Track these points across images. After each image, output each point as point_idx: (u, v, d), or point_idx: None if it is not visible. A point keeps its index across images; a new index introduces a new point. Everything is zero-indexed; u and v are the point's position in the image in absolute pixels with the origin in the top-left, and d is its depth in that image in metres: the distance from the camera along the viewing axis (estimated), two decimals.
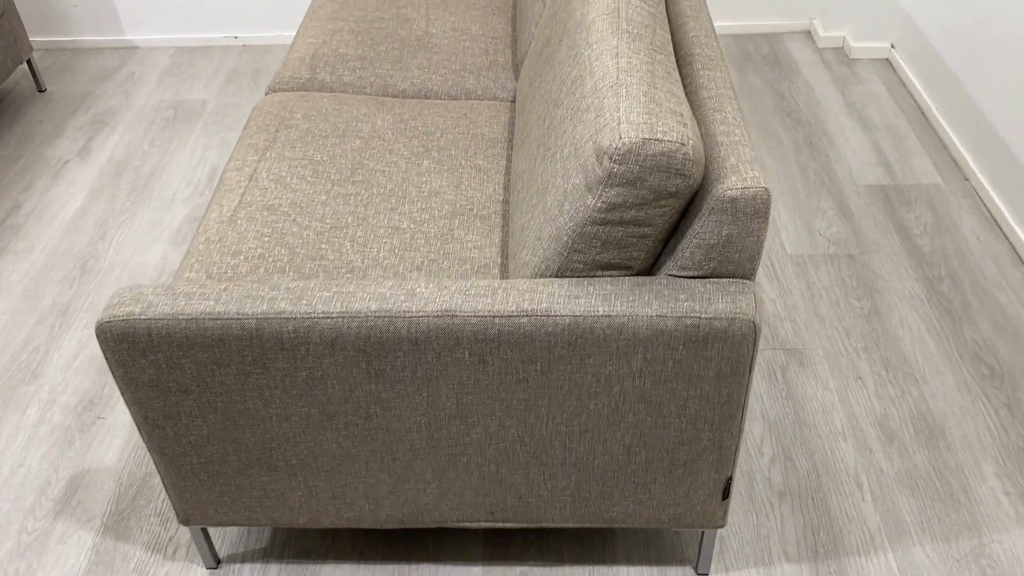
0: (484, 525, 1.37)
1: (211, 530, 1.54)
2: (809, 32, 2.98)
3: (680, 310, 1.11)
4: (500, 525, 1.37)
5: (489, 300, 1.13)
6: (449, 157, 1.65)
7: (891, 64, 2.78)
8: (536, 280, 1.16)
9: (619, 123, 1.07)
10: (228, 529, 1.55)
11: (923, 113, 2.55)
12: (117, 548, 1.52)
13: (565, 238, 1.14)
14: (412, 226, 1.48)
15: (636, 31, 1.22)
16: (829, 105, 2.61)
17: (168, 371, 1.17)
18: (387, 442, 1.25)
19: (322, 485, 1.32)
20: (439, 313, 1.12)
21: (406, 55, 1.98)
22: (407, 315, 1.12)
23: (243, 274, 1.38)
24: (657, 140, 1.05)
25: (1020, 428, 1.67)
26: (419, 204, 1.53)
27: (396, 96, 1.90)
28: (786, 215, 2.21)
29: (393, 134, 1.71)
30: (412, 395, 1.19)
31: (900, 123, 2.52)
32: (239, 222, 1.47)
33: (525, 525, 1.37)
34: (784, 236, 2.15)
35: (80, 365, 1.87)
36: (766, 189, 1.08)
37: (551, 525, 1.37)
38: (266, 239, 1.44)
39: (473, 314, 1.12)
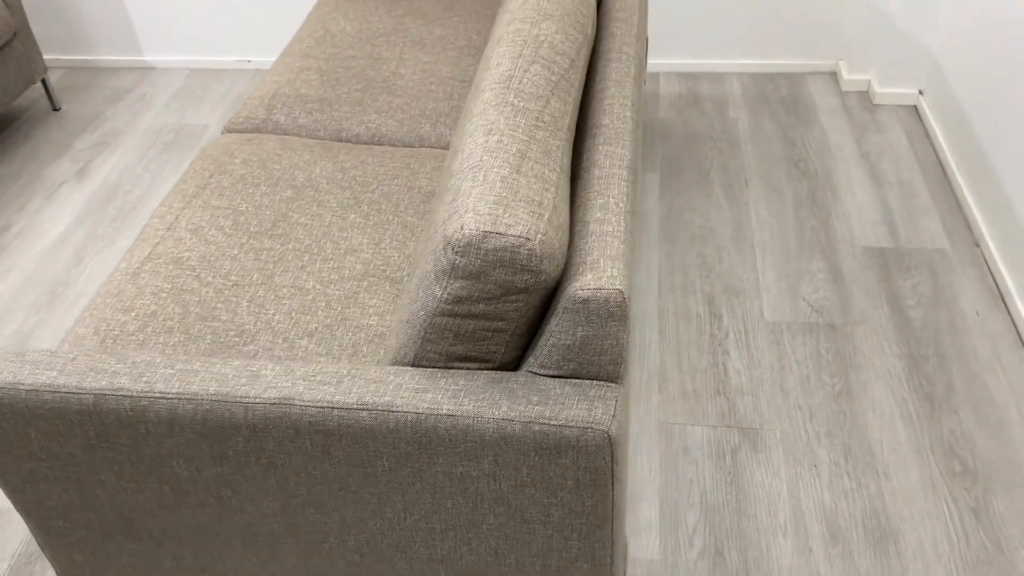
0: None
1: None
2: (835, 74, 2.81)
3: (529, 414, 1.02)
4: None
5: (332, 389, 1.06)
6: (378, 211, 1.59)
7: (917, 112, 2.59)
8: (387, 369, 1.09)
9: (465, 211, 0.99)
10: None
11: (942, 169, 2.36)
12: None
13: (418, 326, 1.07)
14: (317, 287, 1.42)
15: (523, 104, 1.14)
16: (842, 155, 2.45)
17: (16, 439, 1.15)
18: (245, 523, 1.20)
19: (189, 558, 1.27)
20: (276, 401, 1.06)
21: (367, 97, 1.93)
22: (244, 400, 1.06)
23: (129, 333, 1.34)
24: (499, 234, 0.96)
25: (984, 537, 1.51)
26: (332, 263, 1.47)
27: (348, 141, 1.85)
28: (771, 276, 2.07)
29: (328, 184, 1.66)
30: (260, 480, 1.14)
31: (915, 178, 2.34)
32: (142, 275, 1.44)
33: None
34: (765, 299, 2.01)
35: None
36: (620, 292, 0.98)
37: None
38: (163, 296, 1.40)
39: (312, 404, 1.05)
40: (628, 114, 1.28)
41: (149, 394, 1.08)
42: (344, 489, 1.12)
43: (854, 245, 2.14)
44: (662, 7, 2.77)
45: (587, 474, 1.05)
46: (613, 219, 1.08)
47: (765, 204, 2.29)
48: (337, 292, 1.41)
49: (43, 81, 2.84)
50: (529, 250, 0.97)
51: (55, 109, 2.91)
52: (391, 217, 1.57)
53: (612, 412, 1.02)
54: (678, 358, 1.88)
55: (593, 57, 1.47)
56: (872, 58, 2.65)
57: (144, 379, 1.09)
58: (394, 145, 1.83)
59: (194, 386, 1.08)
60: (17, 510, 1.26)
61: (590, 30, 1.41)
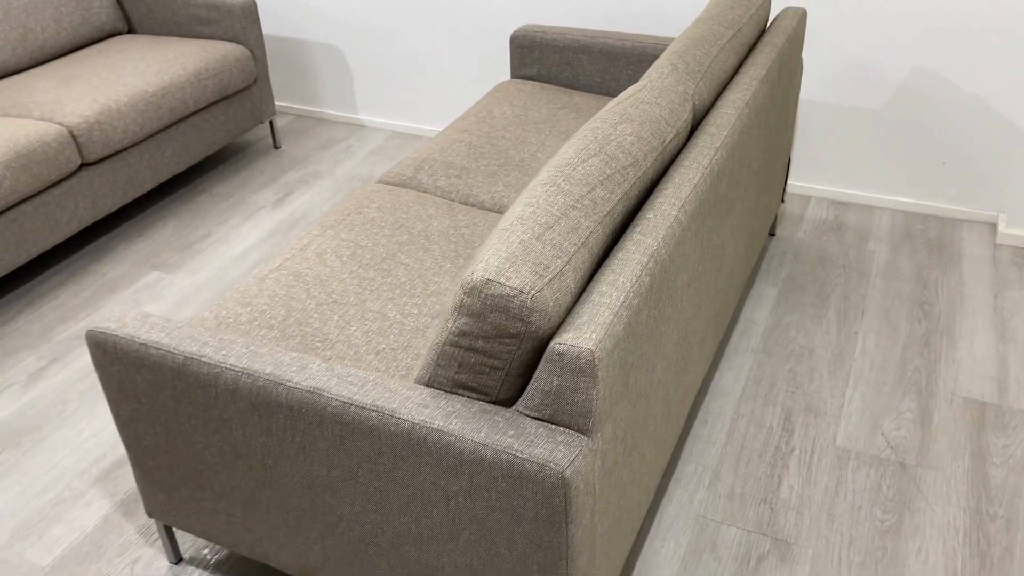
0: None
1: (178, 532, 1.79)
2: (993, 225, 2.74)
3: (501, 444, 1.18)
4: None
5: (355, 389, 1.27)
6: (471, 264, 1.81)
7: None
8: (404, 384, 1.29)
9: (480, 262, 1.18)
10: (198, 538, 1.79)
11: None
12: (119, 523, 1.83)
13: (434, 353, 1.26)
14: (398, 317, 1.66)
15: (568, 187, 1.32)
16: (973, 305, 2.39)
17: (127, 382, 1.45)
18: (280, 494, 1.43)
19: (239, 515, 1.52)
20: (310, 389, 1.29)
21: (501, 172, 2.18)
22: (288, 383, 1.30)
23: (240, 323, 1.64)
24: (499, 283, 1.14)
25: None
26: (418, 300, 1.70)
27: (473, 206, 2.10)
28: (856, 405, 2.07)
29: (438, 236, 1.91)
30: (293, 457, 1.36)
31: None
32: (267, 281, 1.75)
33: None
34: (842, 425, 2.01)
35: None
36: (591, 351, 1.13)
37: None
38: (275, 300, 1.69)
39: (336, 397, 1.27)
40: (673, 212, 1.42)
41: (222, 364, 1.35)
42: (354, 479, 1.32)
43: (954, 394, 2.09)
44: (821, 135, 2.85)
45: (545, 510, 1.18)
46: (615, 294, 1.23)
47: (875, 337, 2.29)
48: (412, 324, 1.64)
49: (270, 122, 3.37)
50: (521, 302, 1.14)
51: (275, 147, 3.43)
52: None
53: (571, 459, 1.16)
54: (736, 461, 1.93)
55: (674, 162, 1.63)
56: None
57: (223, 352, 1.36)
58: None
59: (256, 365, 1.33)
60: (123, 441, 1.57)
61: (669, 137, 1.57)
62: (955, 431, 1.99)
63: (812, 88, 2.79)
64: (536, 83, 2.70)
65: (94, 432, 2.06)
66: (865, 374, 2.17)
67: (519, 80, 2.73)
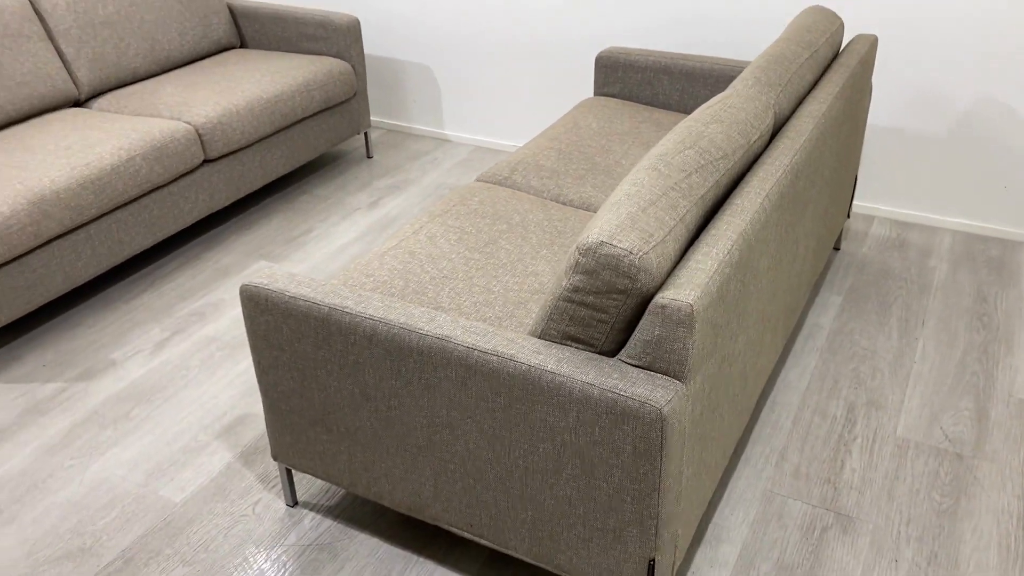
0: (465, 535, 1.67)
1: (296, 477, 2.00)
2: None
3: (606, 384, 1.36)
4: (476, 539, 1.66)
5: (478, 338, 1.47)
6: (564, 252, 2.01)
7: None
8: (519, 335, 1.49)
9: (594, 227, 1.38)
10: (314, 481, 2.00)
11: None
12: (240, 471, 2.05)
13: (548, 308, 1.46)
14: (501, 291, 1.86)
15: (667, 172, 1.52)
16: None
17: (274, 331, 1.67)
18: (401, 433, 1.63)
19: (359, 456, 1.72)
20: (439, 336, 1.49)
21: (588, 175, 2.39)
22: (419, 331, 1.51)
23: (366, 290, 1.86)
24: (611, 245, 1.34)
25: None
26: (518, 279, 1.91)
27: (563, 203, 2.31)
28: (916, 402, 2.21)
29: (534, 227, 2.11)
30: (418, 397, 1.56)
31: None
32: (386, 257, 1.97)
33: (494, 546, 1.64)
34: (902, 419, 2.15)
35: None
36: (691, 305, 1.31)
37: (514, 554, 1.63)
38: (395, 272, 1.91)
39: (461, 343, 1.47)
40: (758, 200, 1.61)
41: (362, 314, 1.56)
42: (471, 418, 1.52)
43: (1011, 395, 2.22)
44: (887, 157, 3.00)
45: (642, 443, 1.36)
46: (709, 263, 1.42)
47: (934, 344, 2.42)
48: (514, 298, 1.84)
49: (365, 134, 3.64)
50: (630, 261, 1.33)
51: (368, 157, 3.69)
52: None
53: (668, 399, 1.34)
54: (802, 445, 2.08)
55: (758, 160, 1.82)
56: None
57: (362, 305, 1.58)
58: (596, 212, 2.26)
59: (391, 316, 1.54)
60: (259, 387, 1.78)
61: (754, 138, 1.76)
62: (1011, 428, 2.11)
63: (880, 112, 2.96)
64: (618, 100, 2.91)
65: (214, 394, 2.29)
66: (925, 375, 2.30)
67: (602, 97, 2.94)
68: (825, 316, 2.57)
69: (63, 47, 2.95)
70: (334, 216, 3.21)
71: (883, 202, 3.09)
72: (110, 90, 3.10)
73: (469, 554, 1.82)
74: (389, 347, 1.54)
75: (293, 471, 1.95)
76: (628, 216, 1.39)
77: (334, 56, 3.41)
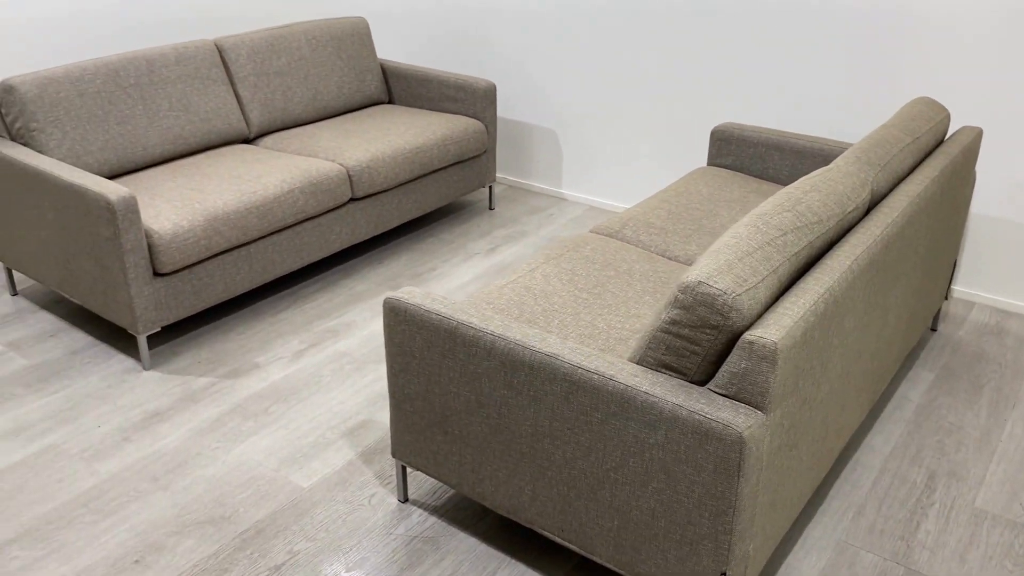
0: (556, 539, 1.86)
1: (413, 475, 2.24)
2: None
3: (694, 407, 1.55)
4: (565, 544, 1.85)
5: (582, 358, 1.70)
6: (664, 299, 2.21)
7: None
8: (619, 360, 1.70)
9: (694, 269, 1.59)
10: (423, 484, 2.24)
11: None
12: (360, 466, 2.31)
13: (647, 337, 1.67)
14: (604, 328, 2.08)
15: (766, 229, 1.72)
16: None
17: (408, 339, 1.94)
18: (507, 439, 1.85)
19: (468, 458, 1.95)
20: (549, 354, 1.72)
21: (695, 235, 2.60)
22: (531, 347, 1.74)
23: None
24: (708, 285, 1.55)
25: None
26: (620, 319, 2.12)
27: (669, 258, 2.52)
28: (998, 478, 2.28)
29: (639, 276, 2.33)
30: (525, 407, 1.79)
31: None
32: (505, 289, 2.22)
33: (582, 551, 1.83)
34: (982, 492, 2.23)
35: None
36: (775, 343, 1.50)
37: (599, 560, 1.81)
38: (512, 302, 2.16)
39: (567, 361, 1.69)
40: (847, 262, 1.78)
41: (484, 330, 1.81)
42: (571, 429, 1.73)
43: None
44: (990, 246, 3.09)
45: (723, 463, 1.54)
46: (795, 310, 1.60)
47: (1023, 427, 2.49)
48: (616, 335, 2.05)
49: (490, 187, 3.96)
50: (724, 301, 1.54)
51: (490, 208, 4.00)
52: None
53: (748, 424, 1.52)
54: (880, 504, 2.19)
55: (849, 229, 1.99)
56: None
57: (485, 322, 1.82)
58: None
59: (509, 333, 1.78)
60: (388, 389, 2.05)
61: (849, 209, 1.94)
62: None
63: (984, 201, 3.06)
64: (730, 171, 3.12)
65: (342, 400, 2.58)
66: (1010, 454, 2.37)
67: (715, 167, 3.16)
68: (915, 390, 2.66)
69: (240, 91, 3.39)
70: (456, 258, 3.51)
71: (984, 289, 3.16)
72: (275, 131, 3.52)
73: (558, 561, 2.01)
74: (504, 360, 1.78)
75: (407, 469, 2.19)
76: (726, 262, 1.60)
77: (470, 116, 3.76)
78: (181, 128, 3.15)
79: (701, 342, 1.59)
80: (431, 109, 3.88)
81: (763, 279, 1.62)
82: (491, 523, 2.12)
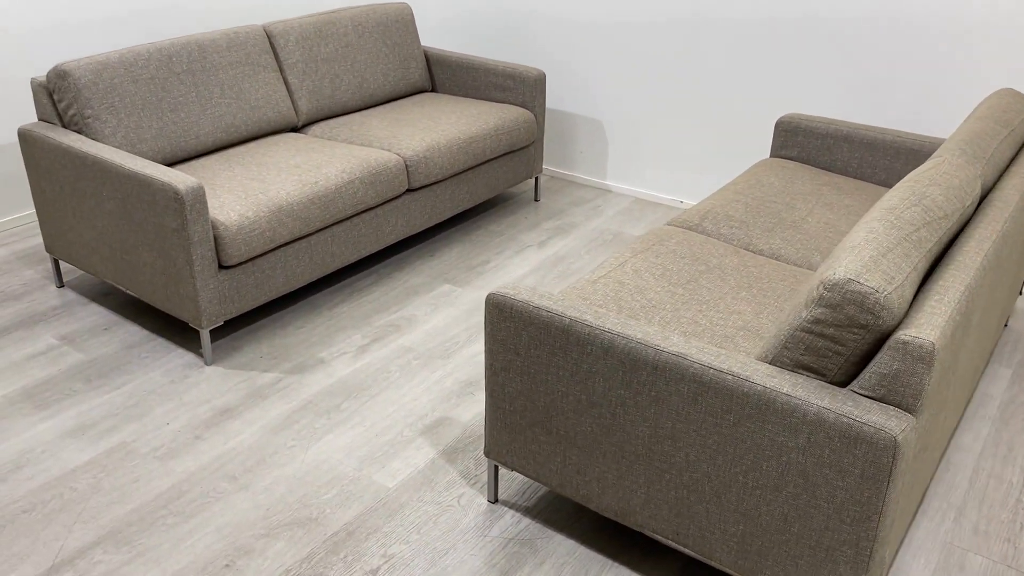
0: (669, 543, 1.80)
1: (501, 475, 2.17)
2: None
3: (842, 410, 1.49)
4: (680, 548, 1.79)
5: (712, 358, 1.63)
6: (763, 295, 2.15)
7: None
8: (751, 359, 1.63)
9: (839, 265, 1.53)
10: (511, 483, 2.17)
11: None
12: (443, 465, 2.24)
13: (783, 337, 1.60)
14: (707, 325, 2.01)
15: (899, 224, 1.66)
16: None
17: (513, 335, 1.87)
18: (621, 440, 1.79)
19: (573, 459, 1.88)
20: (676, 353, 1.65)
21: (776, 228, 2.53)
22: (657, 347, 1.67)
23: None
24: (858, 283, 1.48)
25: None
26: (721, 315, 2.06)
27: (753, 252, 2.45)
28: None
29: (731, 270, 2.27)
30: (645, 408, 1.72)
31: None
32: (597, 284, 2.15)
33: (698, 555, 1.77)
34: None
35: (477, 360, 2.68)
36: (933, 343, 1.44)
37: (717, 565, 1.75)
38: (608, 298, 2.09)
39: (697, 361, 1.63)
40: (978, 259, 1.72)
41: (600, 328, 1.74)
42: (697, 431, 1.67)
43: None
44: None
45: (872, 467, 1.48)
46: (943, 309, 1.54)
47: None
48: (720, 331, 1.99)
49: (536, 179, 3.88)
50: (875, 300, 1.47)
51: (535, 200, 3.93)
52: (772, 301, 2.13)
53: (902, 428, 1.46)
54: (979, 504, 2.14)
55: (969, 224, 1.93)
56: None
57: (600, 319, 1.76)
58: (787, 263, 2.40)
59: (628, 331, 1.71)
60: (486, 387, 1.97)
61: (968, 203, 1.88)
62: None
63: None
64: (796, 163, 3.05)
65: (415, 397, 2.51)
66: None
67: (780, 159, 3.10)
68: (995, 387, 2.61)
69: (289, 78, 3.29)
70: (508, 251, 3.43)
71: None
72: (323, 119, 3.43)
73: (663, 563, 1.95)
74: (624, 359, 1.71)
75: (499, 469, 2.12)
76: (871, 258, 1.54)
77: (519, 105, 3.68)
78: (233, 116, 3.05)
79: (847, 342, 1.53)
80: (476, 98, 3.79)
81: (906, 276, 1.56)
82: (588, 524, 2.06)
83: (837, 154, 3.00)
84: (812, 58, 3.33)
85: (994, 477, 2.24)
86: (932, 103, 3.15)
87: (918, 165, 2.88)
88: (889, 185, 2.95)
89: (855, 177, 2.99)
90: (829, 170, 3.04)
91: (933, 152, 2.84)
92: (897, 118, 3.24)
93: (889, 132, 2.92)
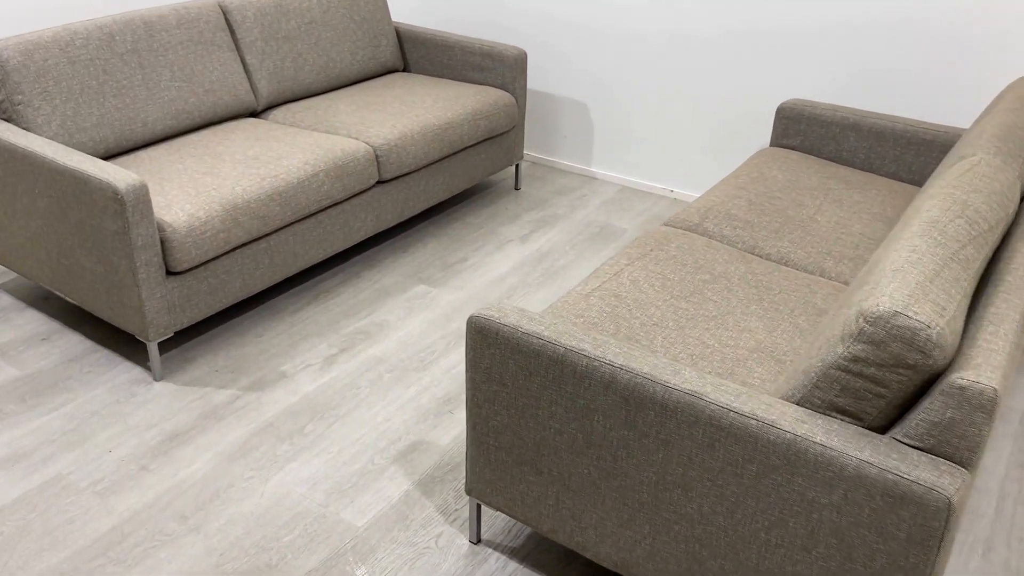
0: None
1: (484, 514, 1.95)
2: None
3: (886, 464, 1.28)
4: None
5: (732, 398, 1.41)
6: (775, 309, 1.93)
7: None
8: (776, 399, 1.41)
9: (882, 295, 1.30)
10: (495, 519, 1.95)
11: None
12: (419, 499, 2.01)
13: (814, 375, 1.38)
14: (716, 346, 1.79)
15: (944, 241, 1.44)
16: None
17: (498, 364, 1.63)
18: (623, 486, 1.56)
19: (567, 502, 1.66)
20: (689, 392, 1.43)
21: (784, 229, 2.31)
22: (667, 384, 1.45)
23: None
24: (906, 316, 1.26)
25: None
26: (731, 333, 1.84)
27: (760, 256, 2.23)
28: None
29: (738, 280, 2.04)
30: (651, 452, 1.50)
31: None
32: (592, 298, 1.92)
33: None
34: None
35: (456, 373, 2.45)
36: (995, 389, 1.23)
37: None
38: (603, 314, 1.86)
39: (715, 402, 1.40)
40: None
41: (601, 359, 1.51)
42: (712, 481, 1.45)
43: None
44: None
45: (920, 531, 1.27)
46: (1000, 343, 1.33)
47: None
48: (731, 354, 1.77)
49: (517, 166, 3.63)
50: (927, 336, 1.25)
51: (516, 188, 3.68)
52: (785, 316, 1.91)
53: (957, 486, 1.25)
54: (1008, 537, 1.95)
55: (1010, 233, 1.72)
56: None
57: (600, 349, 1.53)
58: (797, 269, 2.18)
59: (633, 364, 1.49)
60: (467, 420, 1.74)
61: (1011, 210, 1.67)
62: None
63: None
64: (798, 152, 2.83)
65: (387, 417, 2.27)
66: None
67: (782, 148, 2.87)
68: (1016, 398, 2.43)
69: (247, 58, 3.01)
70: (487, 246, 3.19)
71: None
72: (284, 103, 3.15)
73: None
74: (627, 396, 1.49)
75: (482, 508, 1.90)
76: (918, 285, 1.31)
77: (498, 87, 3.41)
78: (184, 100, 2.77)
79: (890, 384, 1.31)
80: (452, 79, 3.52)
81: (957, 305, 1.34)
82: (582, 570, 1.84)
83: (843, 144, 2.78)
84: (816, 39, 3.09)
85: (1021, 503, 2.05)
86: (946, 90, 2.93)
87: (930, 157, 2.67)
88: (899, 178, 2.73)
89: (863, 169, 2.77)
90: (835, 161, 2.82)
91: (949, 144, 2.63)
92: (908, 105, 3.02)
93: (900, 120, 2.70)
